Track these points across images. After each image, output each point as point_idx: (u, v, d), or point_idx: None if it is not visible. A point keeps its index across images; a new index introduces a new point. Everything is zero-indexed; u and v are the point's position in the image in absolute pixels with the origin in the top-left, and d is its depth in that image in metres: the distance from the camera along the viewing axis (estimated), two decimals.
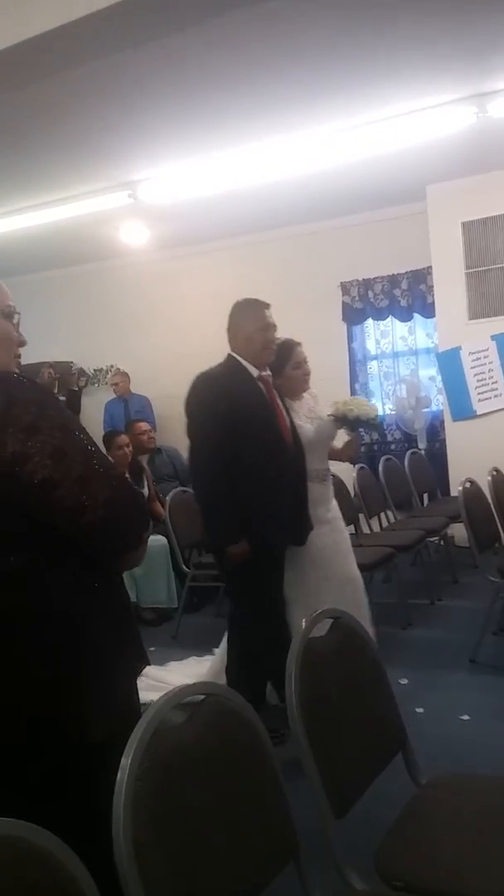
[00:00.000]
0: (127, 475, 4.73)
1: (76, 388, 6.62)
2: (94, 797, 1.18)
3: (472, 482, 3.99)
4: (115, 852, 1.12)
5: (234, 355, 2.94)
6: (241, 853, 1.31)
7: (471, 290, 5.87)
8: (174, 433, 7.03)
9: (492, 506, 3.93)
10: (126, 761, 1.17)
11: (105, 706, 1.36)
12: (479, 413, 5.84)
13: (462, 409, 5.91)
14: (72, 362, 6.09)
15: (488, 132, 4.67)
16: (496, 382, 5.79)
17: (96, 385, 8.00)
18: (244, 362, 2.92)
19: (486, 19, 3.44)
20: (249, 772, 1.39)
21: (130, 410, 7.00)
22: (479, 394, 5.85)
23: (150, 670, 3.66)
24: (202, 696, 1.38)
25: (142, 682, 3.59)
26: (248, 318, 2.96)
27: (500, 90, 4.23)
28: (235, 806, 1.33)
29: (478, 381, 5.84)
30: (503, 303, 5.78)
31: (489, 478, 4.01)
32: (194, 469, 2.90)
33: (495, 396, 5.80)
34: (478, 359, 5.84)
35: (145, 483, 5.09)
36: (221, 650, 3.29)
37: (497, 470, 4.11)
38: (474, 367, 5.85)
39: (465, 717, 3.07)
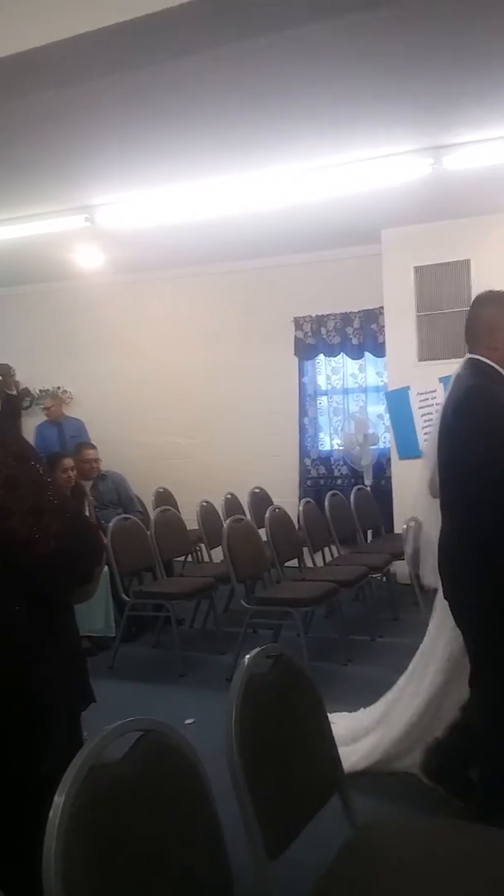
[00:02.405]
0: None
1: (14, 392, 6.46)
2: (35, 833, 1.14)
3: (415, 520, 4.04)
4: (44, 890, 1.08)
5: (481, 359, 2.37)
6: (175, 894, 1.27)
7: (421, 333, 6.02)
8: (118, 457, 6.97)
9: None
10: (60, 798, 1.14)
11: (52, 739, 1.33)
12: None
13: (408, 448, 6.01)
14: (9, 365, 6.00)
15: (443, 183, 4.83)
16: None
17: (41, 405, 7.91)
18: (497, 367, 2.36)
19: (444, 79, 3.59)
20: (186, 810, 1.36)
21: (66, 435, 6.90)
22: (425, 433, 5.95)
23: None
24: (140, 733, 1.35)
25: None
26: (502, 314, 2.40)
27: (455, 144, 4.38)
28: (171, 845, 1.30)
29: (425, 421, 5.96)
30: (452, 346, 5.92)
31: None
32: (477, 499, 2.23)
33: None
34: (425, 399, 5.97)
35: (87, 509, 5.01)
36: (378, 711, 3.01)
37: None
38: (422, 408, 5.98)
39: None
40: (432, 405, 5.95)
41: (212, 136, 4.11)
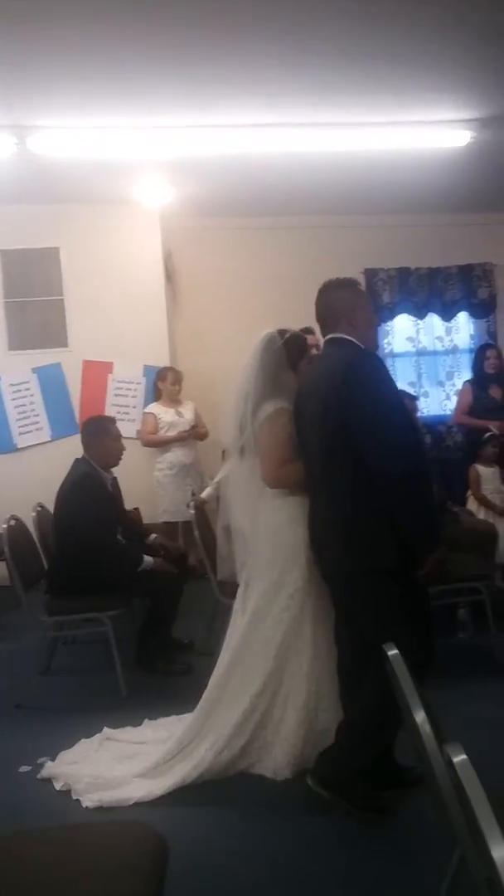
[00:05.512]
0: None
1: None
2: None
3: (16, 519, 3.85)
4: None
5: (344, 336, 2.48)
6: None
7: (10, 321, 5.75)
8: None
9: (37, 542, 3.85)
10: None
11: None
12: (20, 447, 5.73)
13: (2, 443, 5.73)
14: None
15: (29, 165, 4.65)
16: (38, 416, 5.76)
17: None
18: (359, 343, 2.48)
19: (28, 59, 3.44)
20: None
21: None
22: (20, 427, 5.74)
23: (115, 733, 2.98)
24: None
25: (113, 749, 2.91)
26: (359, 298, 2.59)
27: (40, 127, 4.25)
28: None
29: (19, 413, 5.74)
30: (44, 336, 5.79)
31: (34, 513, 3.93)
32: (390, 452, 2.29)
33: (37, 430, 5.76)
34: (18, 391, 5.74)
35: None
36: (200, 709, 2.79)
37: (42, 505, 4.06)
38: (15, 400, 5.73)
39: (25, 769, 2.88)
40: (26, 397, 5.75)
41: None
